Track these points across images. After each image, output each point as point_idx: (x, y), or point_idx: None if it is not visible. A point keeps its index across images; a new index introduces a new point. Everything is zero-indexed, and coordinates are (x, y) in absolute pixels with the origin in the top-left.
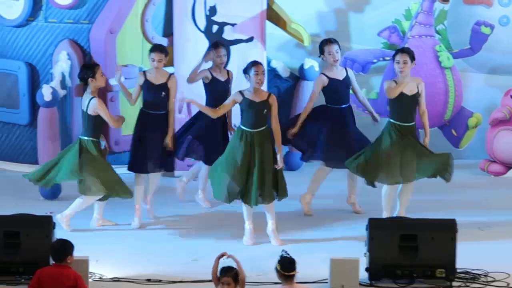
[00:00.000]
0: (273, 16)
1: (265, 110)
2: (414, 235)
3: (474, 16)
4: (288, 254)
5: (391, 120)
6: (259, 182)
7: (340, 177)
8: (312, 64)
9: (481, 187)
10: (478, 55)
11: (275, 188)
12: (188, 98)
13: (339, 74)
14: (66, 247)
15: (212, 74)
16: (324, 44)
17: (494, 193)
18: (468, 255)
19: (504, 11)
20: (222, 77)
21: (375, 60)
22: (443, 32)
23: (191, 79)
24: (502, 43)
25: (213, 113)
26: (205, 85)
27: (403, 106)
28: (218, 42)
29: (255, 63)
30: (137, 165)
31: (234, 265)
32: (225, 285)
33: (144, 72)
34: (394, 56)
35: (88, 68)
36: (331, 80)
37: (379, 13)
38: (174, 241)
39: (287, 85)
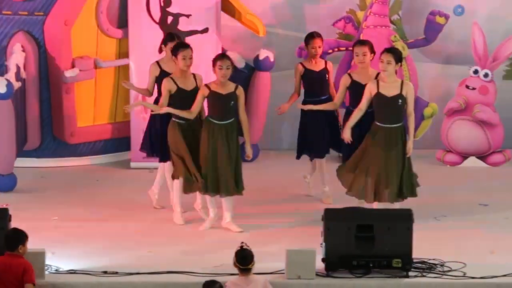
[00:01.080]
0: (228, 7)
1: (232, 102)
2: (370, 225)
3: (428, 5)
4: (246, 247)
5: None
6: (229, 172)
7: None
8: (267, 55)
9: (437, 177)
10: (433, 45)
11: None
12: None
13: (317, 66)
14: (18, 236)
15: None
16: (309, 38)
17: (450, 183)
18: (424, 245)
19: (458, 1)
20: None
21: (330, 51)
22: (397, 22)
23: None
24: (457, 33)
25: (190, 115)
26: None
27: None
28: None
29: (220, 57)
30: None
31: None
32: None
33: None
34: (381, 55)
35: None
36: (307, 70)
37: (334, 3)
38: (130, 233)
39: (243, 76)
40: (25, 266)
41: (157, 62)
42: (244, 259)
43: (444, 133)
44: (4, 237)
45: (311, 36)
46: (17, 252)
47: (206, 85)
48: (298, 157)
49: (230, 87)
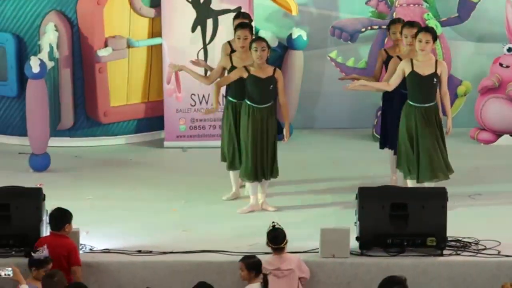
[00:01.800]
0: None
1: (271, 86)
2: (405, 204)
3: None
4: (278, 226)
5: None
6: (266, 158)
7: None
8: (300, 33)
9: (471, 155)
10: (467, 23)
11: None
12: (179, 65)
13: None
14: (64, 215)
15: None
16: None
17: (484, 161)
18: (459, 224)
19: None
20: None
21: (363, 29)
22: (431, 0)
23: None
24: (490, 11)
25: (207, 80)
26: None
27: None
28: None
29: (255, 39)
30: None
31: None
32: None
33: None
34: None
35: None
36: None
37: None
38: (163, 212)
39: (276, 55)
40: (70, 247)
41: (229, 42)
42: (275, 238)
43: (478, 111)
44: (50, 217)
45: (392, 22)
46: (63, 232)
47: (245, 67)
48: (381, 147)
49: (269, 70)
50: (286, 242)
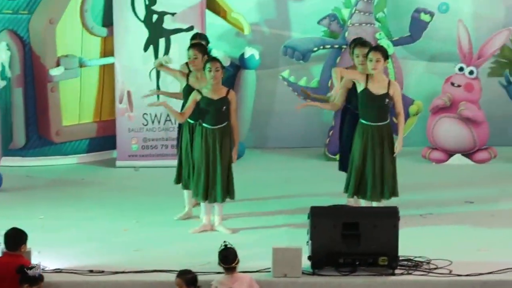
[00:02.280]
0: (213, 5)
1: (224, 107)
2: (356, 223)
3: (413, 3)
4: (230, 245)
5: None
6: (220, 179)
7: (278, 167)
8: (252, 53)
9: (423, 174)
10: (418, 42)
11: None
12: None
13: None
14: (21, 235)
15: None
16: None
17: (436, 180)
18: (410, 243)
19: None
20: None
21: (315, 49)
22: (383, 20)
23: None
24: (442, 30)
25: (181, 117)
26: None
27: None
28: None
29: (209, 60)
30: None
31: None
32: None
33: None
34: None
35: None
36: None
37: (319, 1)
38: (115, 232)
39: (228, 74)
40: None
41: (186, 63)
42: (226, 258)
43: (430, 130)
44: (5, 237)
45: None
46: (18, 252)
47: (198, 90)
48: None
49: (222, 91)
50: (238, 262)
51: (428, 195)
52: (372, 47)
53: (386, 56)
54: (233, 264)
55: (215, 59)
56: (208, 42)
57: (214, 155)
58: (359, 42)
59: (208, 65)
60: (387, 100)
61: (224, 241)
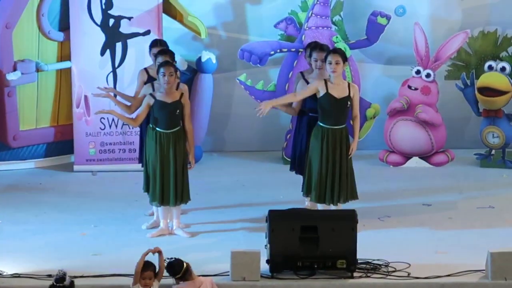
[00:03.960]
0: (169, 9)
1: (178, 111)
2: (315, 226)
3: (370, 6)
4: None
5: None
6: (175, 183)
7: (236, 170)
8: (209, 56)
9: (380, 177)
10: (375, 45)
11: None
12: (107, 110)
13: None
14: None
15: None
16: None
17: (393, 183)
18: (369, 246)
19: (400, 1)
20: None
21: (272, 52)
22: (339, 23)
23: None
24: (399, 33)
25: (134, 123)
26: None
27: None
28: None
29: (162, 64)
30: None
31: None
32: (146, 279)
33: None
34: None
35: None
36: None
37: (276, 4)
38: (73, 236)
39: (185, 78)
40: None
41: (145, 69)
42: (174, 271)
43: (387, 133)
44: None
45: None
46: None
47: (151, 94)
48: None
49: (176, 95)
50: (186, 268)
51: (386, 198)
52: (330, 50)
53: (345, 58)
54: (181, 274)
55: (168, 63)
56: (168, 47)
57: (168, 159)
58: (317, 46)
59: (162, 70)
60: (349, 103)
61: (168, 258)
